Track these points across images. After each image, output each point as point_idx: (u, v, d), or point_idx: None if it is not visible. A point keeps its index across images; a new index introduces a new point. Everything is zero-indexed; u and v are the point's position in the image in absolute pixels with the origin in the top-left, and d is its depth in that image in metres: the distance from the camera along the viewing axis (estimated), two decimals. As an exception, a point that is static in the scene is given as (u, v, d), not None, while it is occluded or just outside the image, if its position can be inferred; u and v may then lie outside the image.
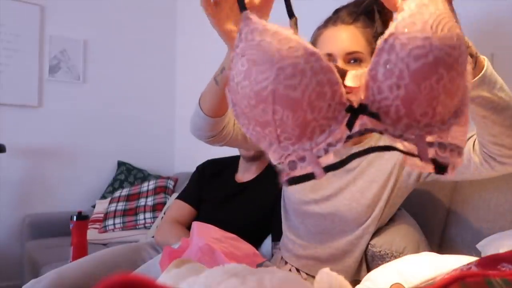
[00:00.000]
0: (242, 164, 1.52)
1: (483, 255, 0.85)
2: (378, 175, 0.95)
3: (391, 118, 0.44)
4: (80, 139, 2.74)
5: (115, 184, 2.73)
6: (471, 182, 1.10)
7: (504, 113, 0.70)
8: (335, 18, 0.94)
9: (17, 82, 2.55)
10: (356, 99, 0.46)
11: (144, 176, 2.80)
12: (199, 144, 3.09)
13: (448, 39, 0.41)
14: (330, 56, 0.91)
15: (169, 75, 3.14)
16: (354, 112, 0.45)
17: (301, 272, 1.04)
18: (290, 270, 1.05)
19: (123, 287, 0.26)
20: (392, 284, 0.60)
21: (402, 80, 0.41)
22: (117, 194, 2.50)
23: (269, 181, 1.44)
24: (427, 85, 0.41)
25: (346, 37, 0.90)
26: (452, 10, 0.47)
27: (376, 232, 0.98)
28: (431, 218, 1.14)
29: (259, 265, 0.91)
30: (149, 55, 3.03)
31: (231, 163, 1.55)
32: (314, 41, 0.98)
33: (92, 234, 2.19)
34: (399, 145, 0.49)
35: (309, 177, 0.47)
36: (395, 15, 0.78)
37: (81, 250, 1.56)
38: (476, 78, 0.66)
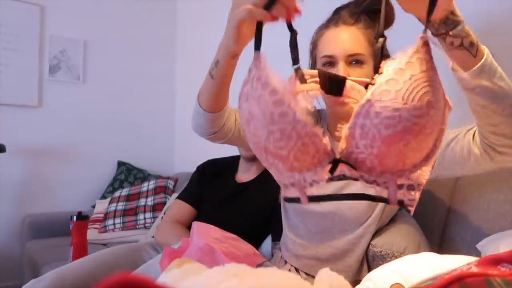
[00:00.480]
0: (242, 164, 1.52)
1: (483, 255, 0.85)
2: None
3: (366, 167, 0.52)
4: (80, 139, 2.74)
5: (115, 184, 2.73)
6: (471, 182, 1.10)
7: (504, 102, 0.70)
8: (336, 18, 0.94)
9: (17, 82, 2.55)
10: (339, 148, 0.54)
11: (144, 176, 2.80)
12: (199, 144, 3.09)
13: (417, 110, 0.47)
14: (331, 57, 0.90)
15: (169, 75, 3.14)
16: (335, 161, 0.53)
17: (300, 272, 1.03)
18: (289, 270, 1.05)
19: (123, 287, 0.26)
20: (392, 284, 0.60)
21: (375, 142, 0.49)
22: (117, 194, 2.50)
23: (269, 181, 1.44)
24: (396, 148, 0.48)
25: (348, 39, 0.90)
26: (431, 68, 0.51)
27: (377, 232, 0.98)
28: (431, 218, 1.14)
29: (259, 265, 0.91)
30: (149, 55, 3.03)
31: (232, 163, 1.55)
32: (315, 42, 0.97)
33: (92, 234, 2.19)
34: (371, 190, 0.57)
35: (296, 200, 0.57)
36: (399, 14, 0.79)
37: (81, 250, 1.56)
38: (475, 67, 0.68)
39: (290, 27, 0.61)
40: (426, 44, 0.51)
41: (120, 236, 2.23)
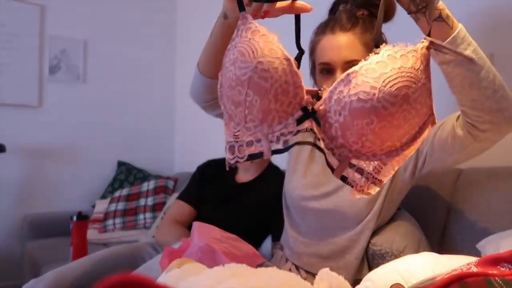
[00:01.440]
0: (242, 164, 1.52)
1: (483, 255, 0.85)
2: None
3: (330, 133, 0.54)
4: (80, 139, 2.74)
5: (115, 184, 2.73)
6: (471, 182, 1.10)
7: (481, 74, 0.72)
8: (333, 22, 0.93)
9: (17, 82, 2.55)
10: (315, 106, 0.56)
11: (144, 176, 2.80)
12: (199, 144, 3.08)
13: (391, 97, 0.50)
14: (328, 65, 0.90)
15: (169, 75, 3.14)
16: (307, 113, 0.55)
17: (301, 270, 1.04)
18: (290, 269, 1.05)
19: (123, 287, 0.26)
20: (392, 284, 0.60)
21: (344, 111, 0.52)
22: (117, 194, 2.50)
23: (269, 181, 1.45)
24: (359, 123, 0.51)
25: (345, 46, 0.89)
26: (423, 70, 0.52)
27: (377, 231, 0.98)
28: (431, 217, 1.14)
29: (259, 266, 0.91)
30: (149, 55, 3.03)
31: (231, 163, 1.55)
32: (313, 46, 0.97)
33: (92, 234, 2.19)
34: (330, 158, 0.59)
35: (258, 155, 0.58)
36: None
37: (81, 250, 1.56)
38: (453, 35, 0.71)
39: (298, 45, 0.66)
40: (427, 48, 0.54)
41: (120, 236, 2.23)
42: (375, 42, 0.80)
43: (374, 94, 0.50)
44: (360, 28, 0.91)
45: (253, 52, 0.53)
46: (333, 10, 0.98)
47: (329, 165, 0.57)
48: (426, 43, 0.54)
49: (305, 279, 0.96)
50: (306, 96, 0.55)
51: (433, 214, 1.14)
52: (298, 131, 0.57)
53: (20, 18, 2.56)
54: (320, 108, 0.55)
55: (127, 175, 2.78)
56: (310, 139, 1.06)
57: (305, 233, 1.04)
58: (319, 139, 0.56)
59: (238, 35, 0.57)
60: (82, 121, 2.75)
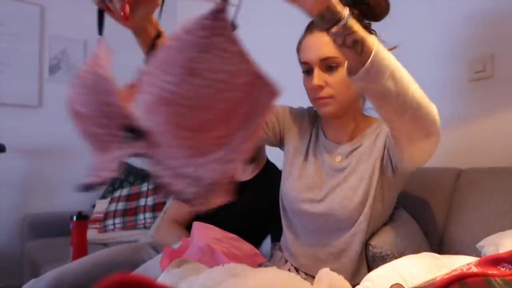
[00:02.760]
0: (240, 164, 1.52)
1: (483, 255, 0.85)
2: (365, 171, 0.95)
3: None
4: (80, 139, 2.74)
5: (115, 184, 2.73)
6: (471, 182, 1.10)
7: (396, 101, 0.69)
8: (312, 24, 0.94)
9: (17, 82, 2.55)
10: None
11: (144, 176, 2.79)
12: (199, 144, 3.02)
13: (171, 76, 0.43)
14: (306, 64, 0.92)
15: (169, 75, 3.14)
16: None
17: (300, 271, 1.04)
18: (289, 269, 1.05)
19: (123, 287, 0.26)
20: (392, 285, 0.60)
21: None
22: (117, 194, 2.50)
23: (267, 180, 1.44)
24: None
25: (320, 44, 0.90)
26: (216, 34, 0.48)
27: (377, 233, 0.98)
28: (431, 218, 1.14)
29: (260, 265, 0.91)
30: (149, 55, 3.02)
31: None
32: (298, 48, 0.99)
33: (92, 234, 2.19)
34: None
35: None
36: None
37: (81, 250, 1.56)
38: (360, 71, 0.65)
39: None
40: (217, 16, 0.46)
41: (120, 236, 2.23)
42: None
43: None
44: None
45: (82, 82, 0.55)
46: None
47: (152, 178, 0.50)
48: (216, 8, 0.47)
49: (304, 279, 0.96)
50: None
51: (433, 214, 1.14)
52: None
53: (20, 18, 2.56)
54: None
55: (127, 175, 2.78)
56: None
57: (301, 235, 1.04)
58: None
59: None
60: (82, 121, 2.75)
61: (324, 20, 0.63)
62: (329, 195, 0.98)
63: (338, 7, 0.63)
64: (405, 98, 0.69)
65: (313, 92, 0.92)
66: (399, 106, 0.70)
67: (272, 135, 1.08)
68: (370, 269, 0.97)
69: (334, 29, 0.64)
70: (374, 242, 0.95)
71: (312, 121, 1.08)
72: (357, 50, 0.65)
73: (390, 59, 0.67)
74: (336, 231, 0.98)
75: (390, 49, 0.92)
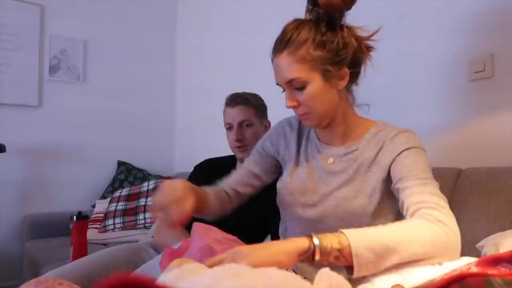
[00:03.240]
0: (238, 166, 1.52)
1: (483, 255, 0.85)
2: (364, 186, 0.92)
3: None
4: (80, 139, 2.74)
5: (115, 184, 2.73)
6: (471, 181, 1.10)
7: (392, 258, 0.69)
8: (277, 44, 0.93)
9: (17, 82, 2.55)
10: None
11: (144, 176, 2.80)
12: (199, 144, 3.08)
13: None
14: (278, 85, 0.94)
15: (169, 75, 3.14)
16: None
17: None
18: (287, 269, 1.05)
19: (123, 287, 0.26)
20: (393, 285, 0.60)
21: None
22: (117, 194, 2.50)
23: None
24: None
25: (281, 68, 0.90)
26: None
27: None
28: (431, 218, 1.14)
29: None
30: (149, 55, 3.03)
31: (229, 163, 1.55)
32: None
33: (92, 234, 2.19)
34: None
35: None
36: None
37: (81, 250, 1.56)
38: (354, 275, 0.68)
39: None
40: None
41: (120, 236, 2.23)
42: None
43: None
44: (294, 45, 0.89)
45: None
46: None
47: None
48: None
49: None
50: None
51: (433, 214, 1.14)
52: None
53: (20, 18, 2.56)
54: None
55: (127, 175, 2.78)
56: None
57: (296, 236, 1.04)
58: None
59: None
60: (82, 121, 2.75)
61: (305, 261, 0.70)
62: (322, 200, 0.96)
63: (302, 248, 0.69)
64: (407, 258, 0.70)
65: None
66: (404, 261, 0.70)
67: (274, 176, 1.12)
68: None
69: (317, 259, 0.69)
70: None
71: (297, 127, 1.08)
72: (341, 261, 0.69)
73: (374, 248, 0.68)
74: None
75: (372, 34, 0.92)
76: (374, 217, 0.92)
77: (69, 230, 1.60)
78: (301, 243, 0.69)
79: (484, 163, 1.19)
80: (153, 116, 3.04)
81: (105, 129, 2.83)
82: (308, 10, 0.93)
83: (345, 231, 0.71)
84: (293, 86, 0.90)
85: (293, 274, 0.62)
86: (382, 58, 0.99)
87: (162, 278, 0.57)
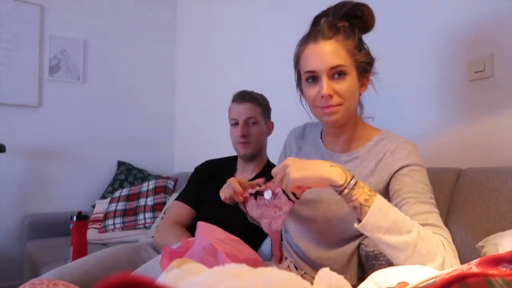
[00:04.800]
0: (240, 163, 1.52)
1: (483, 255, 0.85)
2: None
3: None
4: (80, 139, 2.74)
5: (115, 184, 2.73)
6: (471, 181, 1.10)
7: (399, 254, 0.74)
8: (315, 32, 0.93)
9: (17, 82, 2.55)
10: None
11: (144, 176, 2.80)
12: (199, 145, 3.09)
13: None
14: (313, 72, 0.90)
15: (168, 74, 3.14)
16: None
17: (299, 270, 1.04)
18: (288, 266, 1.05)
19: (123, 287, 0.26)
20: (399, 283, 0.60)
21: None
22: (117, 194, 2.50)
23: (268, 180, 1.44)
24: None
25: (328, 53, 0.89)
26: None
27: None
28: (431, 218, 1.14)
29: (259, 265, 0.90)
30: (148, 55, 3.03)
31: (229, 163, 1.55)
32: (297, 56, 0.97)
33: (92, 234, 2.19)
34: None
35: None
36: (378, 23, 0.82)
37: (81, 250, 1.56)
38: (357, 226, 0.77)
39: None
40: None
41: (120, 236, 2.23)
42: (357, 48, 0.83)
43: None
44: (342, 35, 0.91)
45: None
46: (315, 24, 0.99)
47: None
48: None
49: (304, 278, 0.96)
50: None
51: (433, 214, 1.14)
52: None
53: (20, 18, 2.56)
54: None
55: (127, 175, 2.78)
56: None
57: (295, 233, 1.06)
58: None
59: None
60: (82, 121, 2.75)
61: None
62: (316, 202, 0.98)
63: (340, 181, 0.77)
64: (405, 252, 0.74)
65: (321, 100, 0.91)
66: (407, 257, 0.74)
67: None
68: (362, 267, 0.98)
69: (338, 195, 0.78)
70: (367, 241, 0.96)
71: (301, 136, 1.12)
72: (356, 212, 0.78)
73: (386, 219, 0.75)
74: (316, 241, 1.00)
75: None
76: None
77: (69, 230, 1.60)
78: (339, 179, 0.77)
79: (484, 163, 1.19)
80: (153, 116, 3.04)
81: (105, 129, 2.83)
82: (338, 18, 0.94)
83: (378, 197, 0.76)
84: (334, 74, 0.89)
85: (293, 274, 0.62)
86: (382, 57, 0.99)
87: (162, 278, 0.57)
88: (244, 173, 1.49)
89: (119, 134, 2.88)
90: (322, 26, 0.93)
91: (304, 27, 0.98)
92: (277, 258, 0.96)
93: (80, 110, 2.75)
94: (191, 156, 2.68)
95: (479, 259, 0.47)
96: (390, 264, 0.80)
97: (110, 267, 1.20)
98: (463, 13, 1.31)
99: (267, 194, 0.94)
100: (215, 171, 1.54)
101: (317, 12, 0.98)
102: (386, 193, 0.92)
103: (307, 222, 1.01)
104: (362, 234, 0.96)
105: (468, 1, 1.29)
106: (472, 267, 0.46)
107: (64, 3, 2.72)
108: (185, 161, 2.95)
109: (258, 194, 0.97)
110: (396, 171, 0.89)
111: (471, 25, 1.29)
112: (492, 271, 0.42)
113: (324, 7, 0.97)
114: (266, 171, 1.46)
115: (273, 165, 1.50)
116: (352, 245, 0.98)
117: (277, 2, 2.19)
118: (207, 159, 1.62)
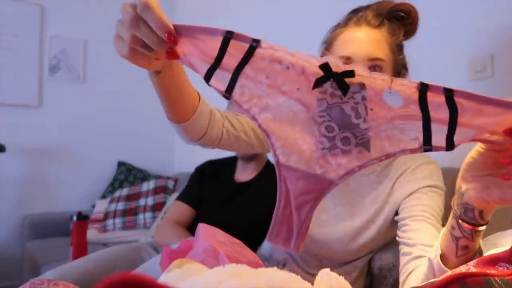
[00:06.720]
0: (240, 164, 1.52)
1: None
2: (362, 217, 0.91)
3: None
4: (80, 139, 2.74)
5: (115, 184, 2.73)
6: (471, 182, 1.10)
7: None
8: (358, 17, 0.83)
9: (17, 82, 2.55)
10: None
11: (144, 176, 2.79)
12: (199, 144, 3.02)
13: None
14: (348, 59, 0.80)
15: (169, 75, 3.14)
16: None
17: (299, 270, 1.04)
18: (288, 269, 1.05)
19: (123, 287, 0.26)
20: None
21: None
22: (117, 194, 2.50)
23: (268, 180, 1.44)
24: None
25: (370, 41, 0.80)
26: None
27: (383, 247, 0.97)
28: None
29: (259, 265, 0.90)
30: (149, 55, 3.03)
31: (230, 163, 1.56)
32: (330, 40, 0.87)
33: (92, 234, 2.19)
34: None
35: None
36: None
37: (81, 250, 1.56)
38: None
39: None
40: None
41: (120, 236, 2.23)
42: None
43: None
44: (387, 29, 0.83)
45: None
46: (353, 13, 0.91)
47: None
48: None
49: (304, 278, 0.96)
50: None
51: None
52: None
53: (20, 18, 2.56)
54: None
55: (127, 175, 2.78)
56: None
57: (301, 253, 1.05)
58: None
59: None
60: (82, 121, 2.75)
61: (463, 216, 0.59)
62: (330, 224, 0.93)
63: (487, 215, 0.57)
64: None
65: None
66: None
67: None
68: (377, 280, 0.97)
69: (464, 225, 0.59)
70: (379, 255, 0.95)
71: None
72: (458, 252, 0.60)
73: None
74: (312, 256, 0.98)
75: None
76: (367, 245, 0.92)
77: (69, 230, 1.61)
78: None
79: (484, 163, 1.19)
80: (153, 116, 3.03)
81: (105, 129, 2.83)
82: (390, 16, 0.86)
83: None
84: (370, 65, 0.79)
85: (293, 274, 0.62)
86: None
87: (163, 279, 0.57)
88: (244, 173, 1.49)
89: (119, 134, 2.88)
90: (367, 13, 0.84)
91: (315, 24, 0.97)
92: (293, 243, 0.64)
93: (80, 110, 2.75)
94: (191, 156, 2.68)
95: (477, 259, 0.47)
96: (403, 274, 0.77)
97: (110, 267, 1.21)
98: (463, 13, 1.31)
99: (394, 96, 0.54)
100: (216, 171, 1.54)
101: (324, 16, 0.93)
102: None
103: (321, 245, 0.95)
104: (377, 249, 0.96)
105: (468, 1, 1.29)
106: (471, 267, 0.46)
107: (64, 3, 2.72)
108: (185, 161, 2.95)
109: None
110: (415, 191, 0.83)
111: (471, 25, 1.29)
112: (490, 271, 0.42)
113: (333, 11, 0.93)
114: (266, 171, 1.47)
115: (273, 165, 1.50)
116: (364, 259, 0.96)
117: (276, 12, 2.19)
118: (207, 159, 1.62)
